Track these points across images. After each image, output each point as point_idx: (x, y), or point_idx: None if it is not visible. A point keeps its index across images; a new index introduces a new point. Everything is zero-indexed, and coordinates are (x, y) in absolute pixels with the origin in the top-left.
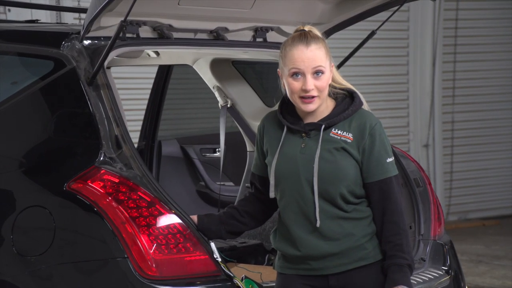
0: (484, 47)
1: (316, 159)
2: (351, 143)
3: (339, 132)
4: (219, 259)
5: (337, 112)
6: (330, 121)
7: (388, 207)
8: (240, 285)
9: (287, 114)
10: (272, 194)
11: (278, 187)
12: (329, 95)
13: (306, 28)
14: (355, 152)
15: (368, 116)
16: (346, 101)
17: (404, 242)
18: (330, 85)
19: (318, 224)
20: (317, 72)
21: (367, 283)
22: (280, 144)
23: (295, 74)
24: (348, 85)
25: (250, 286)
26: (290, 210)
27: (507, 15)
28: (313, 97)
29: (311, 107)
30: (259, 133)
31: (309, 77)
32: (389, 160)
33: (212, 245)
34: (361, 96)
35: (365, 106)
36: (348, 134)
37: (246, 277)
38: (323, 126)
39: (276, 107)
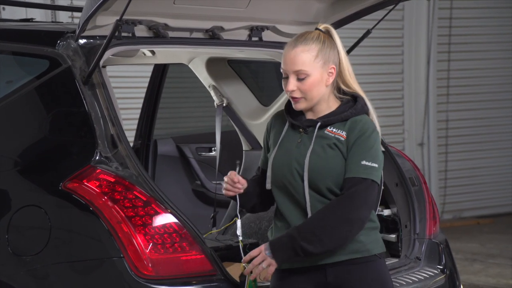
0: (478, 45)
1: (308, 154)
2: (343, 141)
3: (333, 130)
4: (241, 237)
5: (336, 112)
6: (327, 120)
7: (342, 200)
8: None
9: (292, 110)
10: (268, 186)
11: (274, 178)
12: (336, 96)
13: (321, 26)
14: (345, 150)
15: (367, 121)
16: (348, 104)
17: (319, 231)
18: (334, 87)
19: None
20: (299, 75)
21: (365, 281)
22: (280, 139)
23: (283, 74)
24: (357, 89)
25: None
26: (286, 200)
27: (502, 14)
28: (297, 97)
29: (298, 106)
30: (267, 129)
31: (291, 79)
32: (366, 163)
33: (238, 222)
34: (368, 103)
35: (372, 114)
36: (342, 132)
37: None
38: (318, 124)
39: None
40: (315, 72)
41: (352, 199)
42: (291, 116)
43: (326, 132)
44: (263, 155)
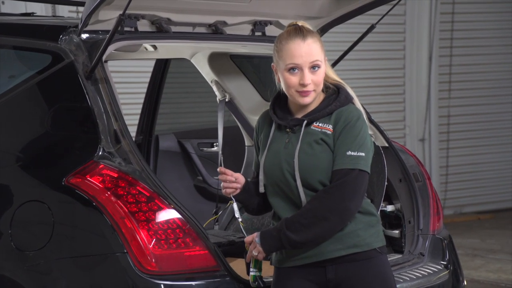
0: (480, 41)
1: (296, 154)
2: (330, 135)
3: (320, 124)
4: (240, 219)
5: (321, 108)
6: (312, 117)
7: (330, 190)
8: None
9: (278, 109)
10: (261, 189)
11: (267, 182)
12: (321, 89)
13: (299, 23)
14: (332, 143)
15: (352, 110)
16: (332, 97)
17: (306, 221)
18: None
19: None
20: (314, 67)
21: (366, 278)
22: (269, 141)
23: (292, 69)
24: (339, 80)
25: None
26: (281, 201)
27: (504, 9)
28: (309, 91)
29: (307, 100)
30: (256, 132)
31: (307, 72)
32: (351, 153)
33: (234, 205)
34: (350, 91)
35: (356, 101)
36: (329, 126)
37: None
38: (305, 122)
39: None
40: (323, 63)
41: (340, 190)
42: (277, 116)
43: (312, 128)
44: (256, 158)
